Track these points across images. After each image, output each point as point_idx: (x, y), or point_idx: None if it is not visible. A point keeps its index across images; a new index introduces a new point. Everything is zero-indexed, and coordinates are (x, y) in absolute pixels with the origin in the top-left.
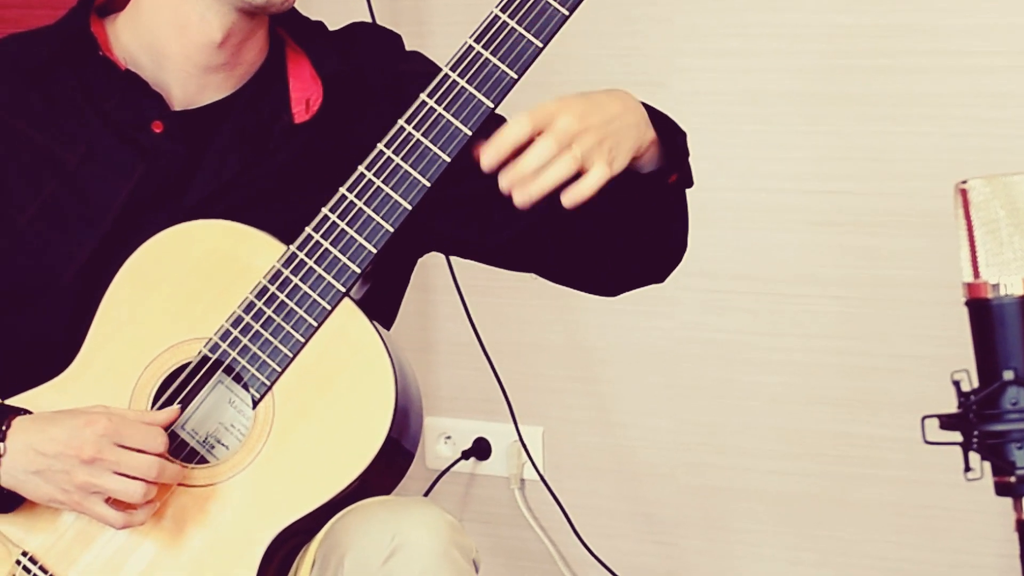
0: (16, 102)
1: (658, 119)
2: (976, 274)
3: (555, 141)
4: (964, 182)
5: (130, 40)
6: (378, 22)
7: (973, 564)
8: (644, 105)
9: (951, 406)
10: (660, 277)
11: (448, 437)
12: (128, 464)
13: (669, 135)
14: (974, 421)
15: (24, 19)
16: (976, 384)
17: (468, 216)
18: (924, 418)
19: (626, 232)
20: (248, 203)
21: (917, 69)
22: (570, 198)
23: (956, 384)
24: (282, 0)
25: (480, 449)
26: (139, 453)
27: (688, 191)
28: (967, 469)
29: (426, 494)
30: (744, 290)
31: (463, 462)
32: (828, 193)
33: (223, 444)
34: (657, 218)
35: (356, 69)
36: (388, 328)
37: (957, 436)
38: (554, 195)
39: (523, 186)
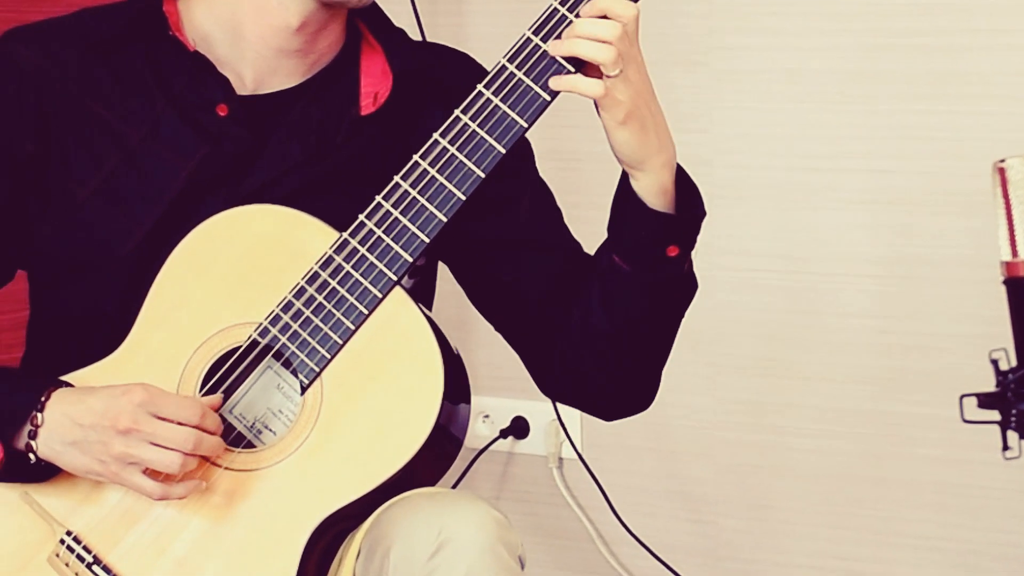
0: (84, 75)
1: (686, 182)
2: (1014, 252)
3: (618, 39)
4: (1002, 161)
5: (204, 19)
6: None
7: (1011, 543)
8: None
9: (989, 385)
10: (606, 411)
11: (486, 416)
12: (164, 435)
13: (689, 193)
14: (1012, 400)
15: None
16: (1014, 363)
17: (487, 255)
18: (962, 397)
19: (626, 340)
20: (305, 192)
21: (956, 47)
22: (560, 81)
23: (994, 363)
24: None
25: (518, 428)
26: (175, 424)
27: (724, 178)
28: (1005, 448)
29: (464, 473)
30: (781, 269)
31: (501, 441)
32: (866, 172)
33: (270, 429)
34: (650, 321)
35: (430, 72)
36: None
37: (995, 415)
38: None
39: (562, 39)
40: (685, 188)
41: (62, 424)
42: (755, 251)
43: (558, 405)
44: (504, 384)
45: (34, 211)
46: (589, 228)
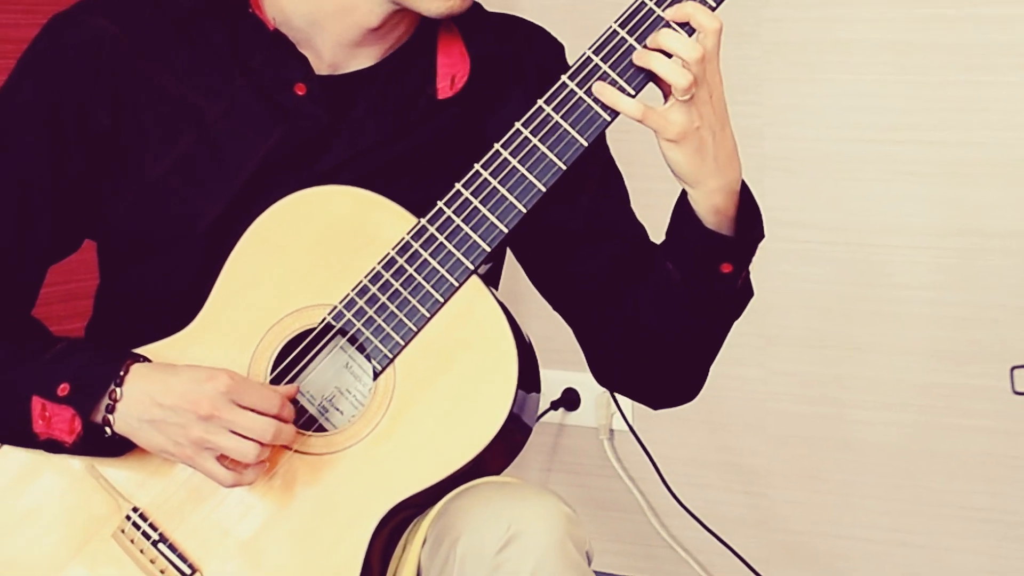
0: (162, 51)
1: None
2: None
3: (696, 61)
4: None
5: (288, 1)
6: None
7: None
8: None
9: None
10: (654, 402)
11: None
12: (244, 424)
13: (750, 213)
14: None
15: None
16: None
17: (552, 242)
18: (1013, 368)
19: (674, 337)
20: (380, 173)
21: (1008, 18)
22: (610, 95)
23: None
24: (461, 6)
25: (569, 400)
26: (255, 414)
27: (775, 149)
28: None
29: None
30: (833, 240)
31: (552, 413)
32: (918, 143)
33: (338, 409)
34: (699, 328)
35: (509, 55)
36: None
37: None
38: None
39: (644, 52)
40: (747, 208)
41: (141, 401)
42: (807, 223)
43: None
44: (555, 356)
45: (107, 186)
46: (639, 198)
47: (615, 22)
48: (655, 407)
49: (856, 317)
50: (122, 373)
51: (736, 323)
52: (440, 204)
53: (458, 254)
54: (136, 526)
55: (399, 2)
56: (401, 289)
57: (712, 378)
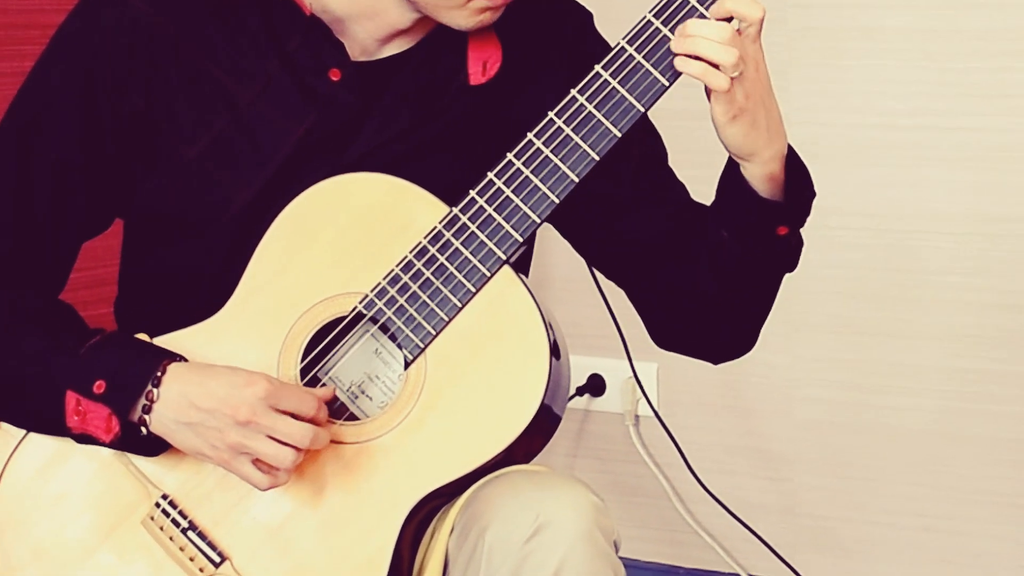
0: (198, 32)
1: (798, 167)
2: None
3: (738, 41)
4: None
5: None
6: None
7: None
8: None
9: None
10: (715, 357)
11: None
12: (283, 430)
13: (800, 174)
14: None
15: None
16: None
17: (600, 211)
18: None
19: (726, 290)
20: (412, 158)
21: None
22: (688, 64)
23: None
24: (491, 19)
25: (595, 385)
26: (293, 419)
27: (801, 136)
28: None
29: None
30: (859, 227)
31: (578, 398)
32: (945, 129)
33: (368, 396)
34: (758, 286)
35: (539, 38)
36: None
37: None
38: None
39: (683, 39)
40: (795, 170)
41: (179, 404)
42: (833, 209)
43: (635, 362)
44: (581, 342)
45: (140, 168)
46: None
47: (650, 12)
48: (715, 362)
49: (882, 303)
50: (159, 374)
51: None
52: (472, 193)
53: (490, 244)
54: (165, 513)
55: (429, 14)
56: (433, 278)
57: (738, 364)
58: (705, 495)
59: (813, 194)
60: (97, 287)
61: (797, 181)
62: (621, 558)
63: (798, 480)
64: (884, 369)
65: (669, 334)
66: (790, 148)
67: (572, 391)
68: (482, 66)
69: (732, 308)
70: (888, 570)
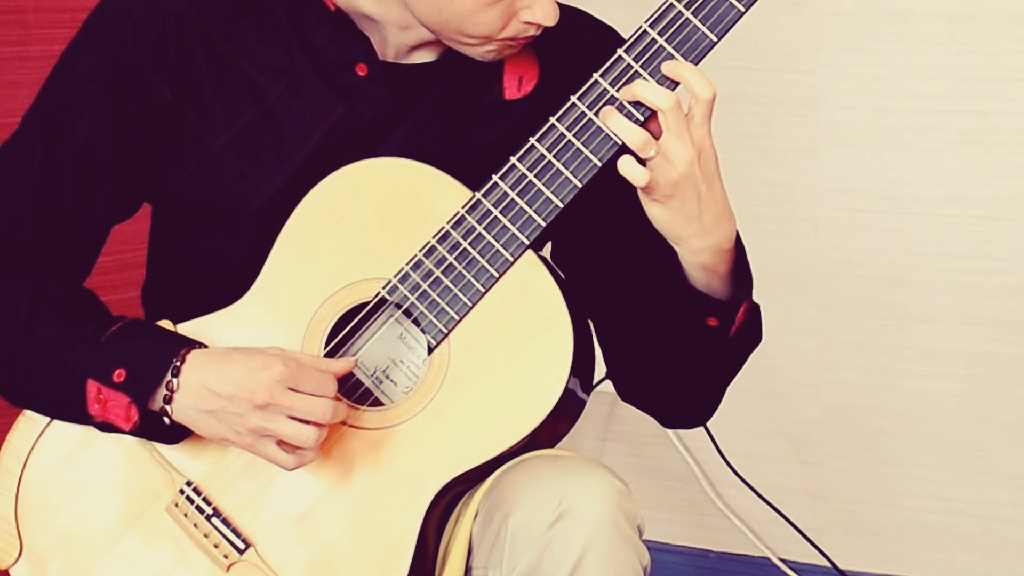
0: (226, 25)
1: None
2: None
3: (662, 119)
4: None
5: None
6: None
7: None
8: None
9: None
10: (664, 420)
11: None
12: (302, 409)
13: (741, 271)
14: None
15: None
16: None
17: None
18: None
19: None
20: (442, 167)
21: None
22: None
23: None
24: (511, 53)
25: None
26: (312, 397)
27: (829, 119)
28: None
29: None
30: (888, 210)
31: (607, 382)
32: (974, 112)
33: (392, 380)
34: (692, 365)
35: (576, 56)
36: None
37: None
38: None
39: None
40: (739, 266)
41: (198, 392)
42: (861, 192)
43: None
44: None
45: (166, 158)
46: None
47: (646, 22)
48: (666, 425)
49: (911, 286)
50: (178, 363)
51: (789, 293)
52: (495, 178)
53: (513, 229)
54: (190, 500)
55: (449, 45)
56: (456, 263)
57: (767, 348)
58: (734, 478)
59: (745, 295)
60: (126, 271)
61: (736, 278)
62: (650, 542)
63: (827, 464)
64: (913, 353)
65: (622, 383)
66: (738, 241)
67: (602, 375)
68: (518, 81)
69: (676, 375)
70: (917, 553)
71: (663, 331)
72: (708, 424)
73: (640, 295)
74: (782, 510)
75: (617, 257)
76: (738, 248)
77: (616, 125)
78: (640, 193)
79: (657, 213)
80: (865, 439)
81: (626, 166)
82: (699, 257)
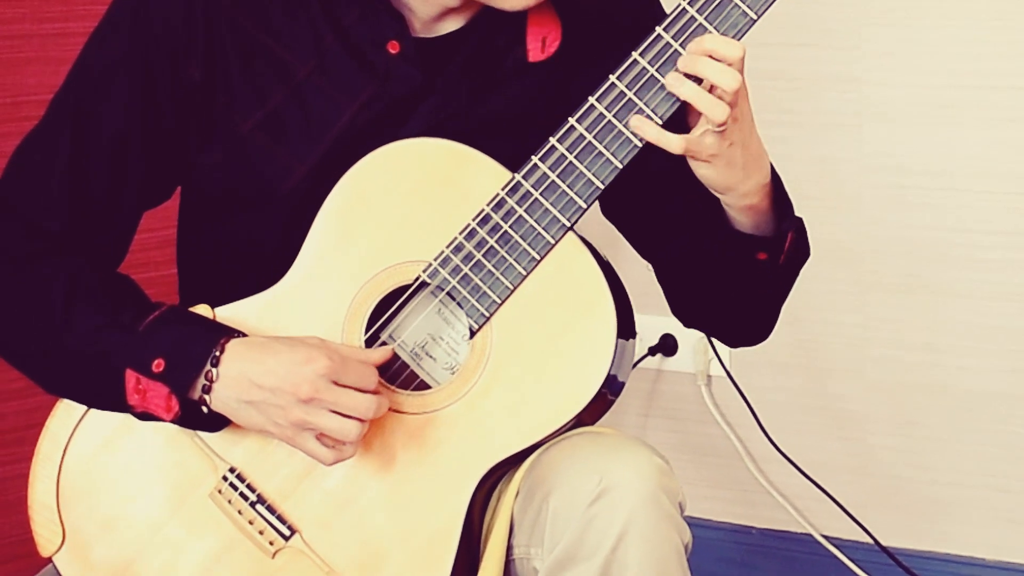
0: (253, 6)
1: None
2: None
3: (736, 86)
4: None
5: None
6: None
7: None
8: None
9: None
10: (729, 341)
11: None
12: (346, 404)
13: (783, 203)
14: None
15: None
16: None
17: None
18: None
19: (719, 286)
20: (472, 135)
21: None
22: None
23: None
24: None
25: (667, 345)
26: (356, 392)
27: (873, 96)
28: None
29: None
30: (930, 186)
31: (650, 358)
32: (1018, 88)
33: (431, 356)
34: (749, 292)
35: (601, 15)
36: None
37: None
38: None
39: (677, 76)
40: (780, 198)
41: (239, 383)
42: (904, 168)
43: None
44: (653, 301)
45: (196, 140)
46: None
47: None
48: (729, 345)
49: (954, 263)
50: (218, 353)
51: (832, 268)
52: (535, 159)
53: (554, 211)
54: (233, 487)
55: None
56: (497, 246)
57: (810, 324)
58: (777, 455)
59: (791, 226)
60: (167, 247)
61: (779, 211)
62: (692, 518)
63: (870, 440)
64: (956, 329)
65: (684, 311)
66: (775, 176)
67: (644, 351)
68: (541, 42)
69: (734, 300)
70: (960, 530)
71: (716, 269)
72: (750, 400)
73: (690, 241)
74: (825, 486)
75: (663, 209)
76: (775, 180)
77: (699, 100)
78: (692, 159)
79: (707, 172)
80: (908, 415)
81: (662, 136)
82: (745, 200)
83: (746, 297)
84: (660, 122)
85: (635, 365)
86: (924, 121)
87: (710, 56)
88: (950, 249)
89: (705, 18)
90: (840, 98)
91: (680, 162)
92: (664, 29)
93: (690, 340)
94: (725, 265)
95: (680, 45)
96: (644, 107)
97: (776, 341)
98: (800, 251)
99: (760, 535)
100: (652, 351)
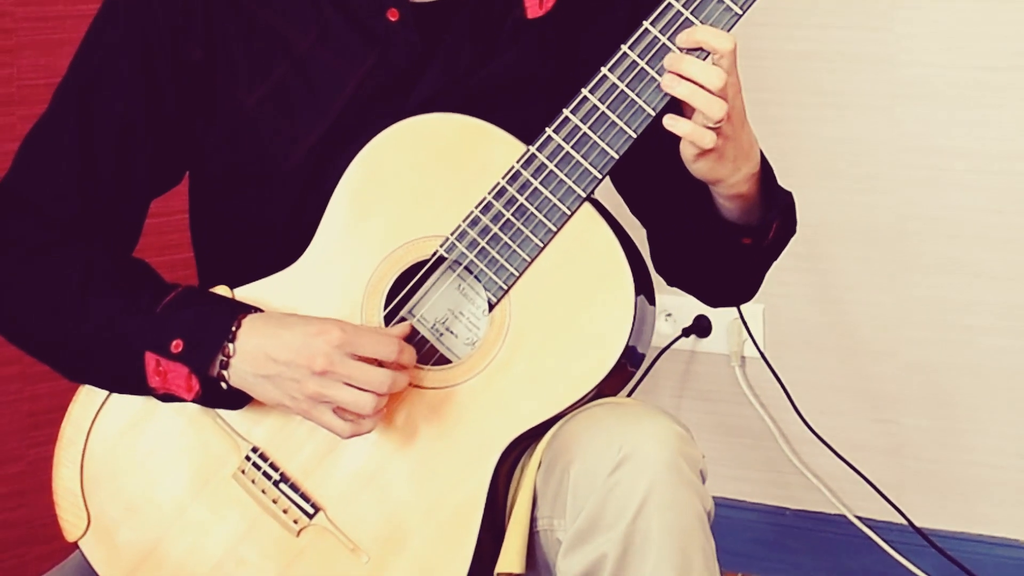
0: None
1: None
2: None
3: (720, 84)
4: None
5: None
6: None
7: None
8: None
9: None
10: (710, 303)
11: (669, 315)
12: (360, 377)
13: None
14: None
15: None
16: None
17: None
18: None
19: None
20: (478, 98)
21: None
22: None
23: None
24: None
25: (701, 326)
26: (371, 366)
27: (907, 77)
28: None
29: (646, 372)
30: (964, 167)
31: (684, 339)
32: None
33: (452, 331)
34: (731, 270)
35: None
36: None
37: None
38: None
39: (671, 76)
40: (769, 185)
41: (255, 357)
42: (938, 149)
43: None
44: None
45: (201, 119)
46: (772, 126)
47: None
48: (711, 306)
49: (988, 244)
50: (234, 328)
51: (865, 249)
52: (549, 131)
53: (569, 182)
54: (256, 466)
55: None
56: (513, 219)
57: (844, 304)
58: (811, 436)
59: (776, 217)
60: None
61: (764, 201)
62: (726, 499)
63: (904, 421)
64: (990, 309)
65: (670, 273)
66: (763, 162)
67: (678, 332)
68: None
69: (717, 268)
70: (994, 512)
71: (703, 246)
72: (784, 381)
73: (678, 219)
74: (859, 468)
75: (652, 186)
76: (764, 168)
77: (695, 98)
78: (685, 152)
79: (698, 166)
80: (942, 396)
81: (693, 132)
82: (734, 190)
83: (729, 271)
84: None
85: (669, 347)
86: (958, 102)
87: (700, 48)
88: (985, 230)
89: (691, 12)
90: (874, 79)
91: (666, 154)
92: (651, 24)
93: (724, 321)
94: (711, 245)
95: (691, 14)
96: (657, 77)
97: (810, 322)
98: (786, 230)
99: (794, 516)
100: (686, 332)
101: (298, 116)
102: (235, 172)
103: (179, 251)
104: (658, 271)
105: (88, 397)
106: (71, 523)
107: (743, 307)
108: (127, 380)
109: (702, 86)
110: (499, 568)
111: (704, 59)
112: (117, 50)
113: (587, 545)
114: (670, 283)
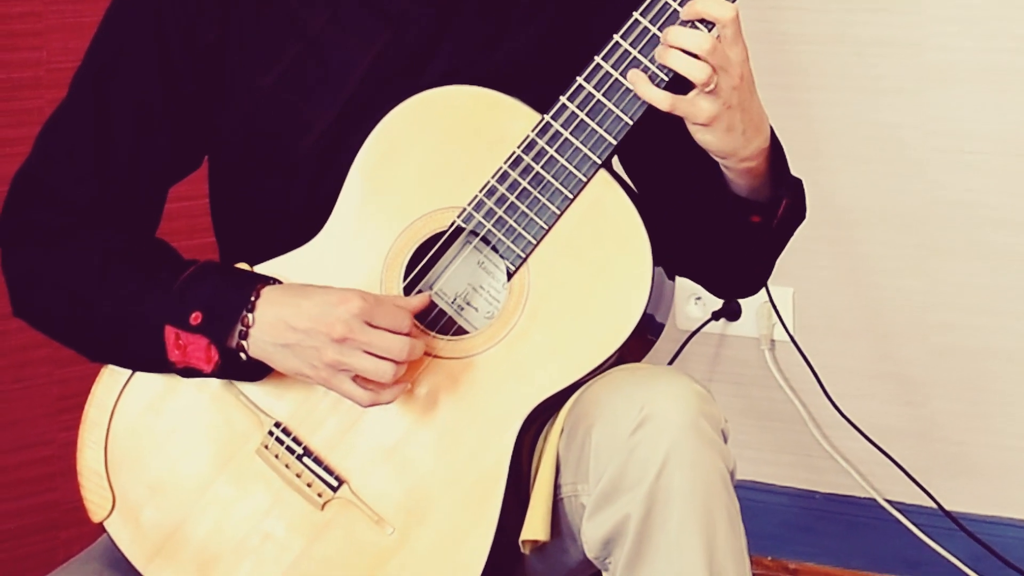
0: None
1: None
2: None
3: (709, 52)
4: None
5: None
6: None
7: None
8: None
9: None
10: (717, 294)
11: (698, 298)
12: (379, 345)
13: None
14: None
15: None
16: None
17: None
18: None
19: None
20: (493, 74)
21: None
22: (641, 86)
23: None
24: None
25: (730, 310)
26: (389, 333)
27: (935, 61)
28: None
29: (676, 355)
30: (993, 151)
31: (713, 323)
32: None
33: (472, 306)
34: (741, 253)
35: None
36: None
37: None
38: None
39: (662, 47)
40: (778, 162)
41: (275, 326)
42: (966, 134)
43: (770, 287)
44: None
45: (216, 102)
46: (800, 110)
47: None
48: (719, 297)
49: (1016, 227)
50: (253, 298)
51: (895, 233)
52: (563, 99)
53: (584, 149)
54: (279, 441)
55: None
56: (529, 188)
57: (873, 289)
58: (841, 420)
59: (785, 194)
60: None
61: (776, 174)
62: (756, 482)
63: (934, 405)
64: (1019, 293)
65: (677, 261)
66: (774, 139)
67: (708, 316)
68: None
69: (725, 257)
70: None
71: (710, 228)
72: (814, 365)
73: (687, 197)
74: (889, 451)
75: (661, 161)
76: (774, 144)
77: (678, 63)
78: (690, 123)
79: (708, 137)
80: (972, 379)
81: (681, 62)
82: (744, 164)
83: (737, 255)
84: (666, 79)
85: (698, 330)
86: (987, 87)
87: (702, 20)
88: (1013, 214)
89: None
90: (903, 63)
91: (676, 132)
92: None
93: (753, 305)
94: (719, 225)
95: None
96: (666, 64)
97: (840, 305)
98: (796, 213)
99: (824, 500)
100: (715, 316)
101: (312, 96)
102: (251, 153)
103: (208, 235)
104: (664, 260)
105: (111, 378)
106: (96, 504)
107: (773, 290)
108: (148, 356)
109: (685, 50)
110: (524, 536)
111: (710, 31)
112: (132, 34)
113: (611, 507)
114: (676, 272)
